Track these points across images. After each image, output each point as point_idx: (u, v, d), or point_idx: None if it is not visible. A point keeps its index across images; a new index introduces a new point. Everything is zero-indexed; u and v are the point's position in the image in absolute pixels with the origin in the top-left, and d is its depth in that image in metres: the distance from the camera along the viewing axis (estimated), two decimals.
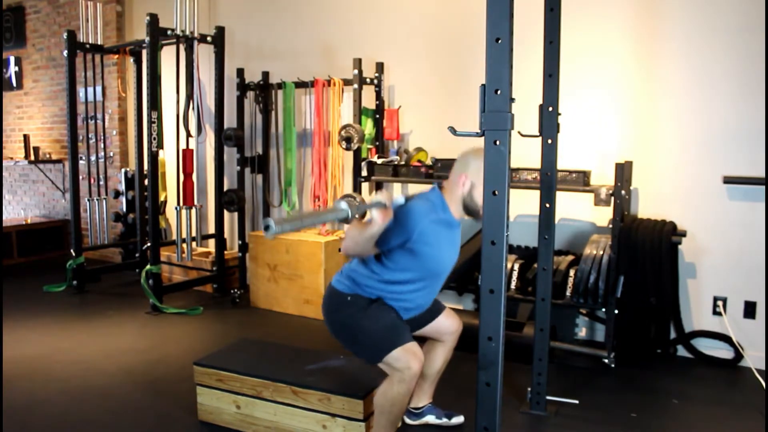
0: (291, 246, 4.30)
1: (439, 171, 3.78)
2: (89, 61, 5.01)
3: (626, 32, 3.54)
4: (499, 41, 1.50)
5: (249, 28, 5.03)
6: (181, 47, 4.50)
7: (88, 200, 5.13)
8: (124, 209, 5.68)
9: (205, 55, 4.84)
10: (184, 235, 4.51)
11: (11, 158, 6.70)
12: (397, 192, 4.39)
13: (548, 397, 2.80)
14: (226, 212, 4.91)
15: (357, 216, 2.01)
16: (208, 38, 4.68)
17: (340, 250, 4.23)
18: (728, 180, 3.30)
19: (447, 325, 2.51)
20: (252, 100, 4.78)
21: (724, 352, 3.39)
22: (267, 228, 1.53)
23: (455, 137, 1.74)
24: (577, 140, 3.65)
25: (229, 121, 4.91)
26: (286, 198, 4.66)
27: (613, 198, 3.22)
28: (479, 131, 1.55)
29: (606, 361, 3.24)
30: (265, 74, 4.71)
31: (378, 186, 4.30)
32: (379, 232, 2.10)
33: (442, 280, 2.38)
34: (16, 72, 6.79)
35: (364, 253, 2.23)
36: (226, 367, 2.61)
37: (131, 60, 5.31)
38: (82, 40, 4.91)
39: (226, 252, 4.94)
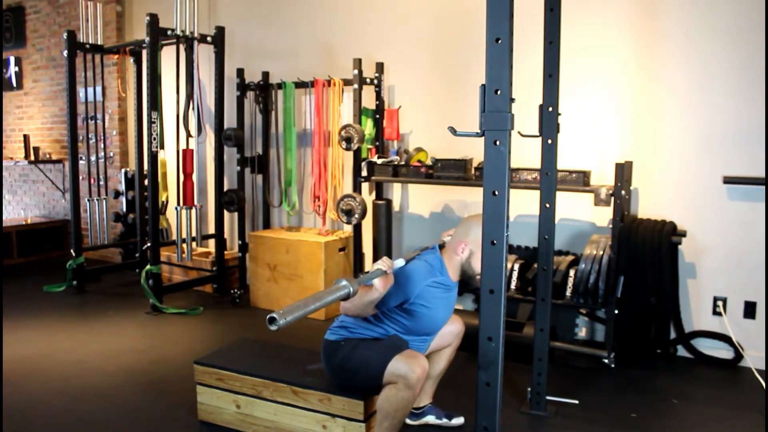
0: (291, 246, 4.30)
1: (439, 171, 3.78)
2: (89, 61, 5.01)
3: (626, 32, 3.54)
4: (499, 41, 1.50)
5: (249, 28, 5.03)
6: (181, 47, 4.50)
7: (88, 200, 5.12)
8: (124, 209, 5.68)
9: (205, 55, 4.84)
10: (184, 235, 4.51)
11: (11, 158, 6.70)
12: (397, 194, 4.40)
13: (548, 397, 2.80)
14: (226, 212, 4.91)
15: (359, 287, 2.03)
16: (208, 38, 4.68)
17: (341, 250, 4.25)
18: (728, 180, 3.30)
19: (449, 330, 2.52)
20: (252, 100, 4.78)
21: (724, 352, 3.39)
22: (272, 321, 1.53)
23: (455, 137, 1.74)
24: (577, 140, 3.65)
25: (229, 121, 4.91)
26: (286, 198, 4.66)
27: (613, 198, 3.22)
28: (479, 131, 1.56)
29: (606, 361, 3.24)
30: (265, 74, 4.71)
31: (378, 187, 4.30)
32: (380, 298, 2.16)
33: (433, 337, 2.45)
34: (16, 72, 6.79)
35: (363, 314, 2.27)
36: (226, 366, 2.61)
37: (131, 60, 5.31)
38: (82, 40, 4.91)
39: (226, 252, 4.94)
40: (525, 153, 3.15)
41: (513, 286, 3.54)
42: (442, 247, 2.42)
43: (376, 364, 2.18)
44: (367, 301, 2.15)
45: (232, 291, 4.70)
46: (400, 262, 2.24)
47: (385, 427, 2.18)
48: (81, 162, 5.20)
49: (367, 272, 2.12)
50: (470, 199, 4.09)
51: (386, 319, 2.30)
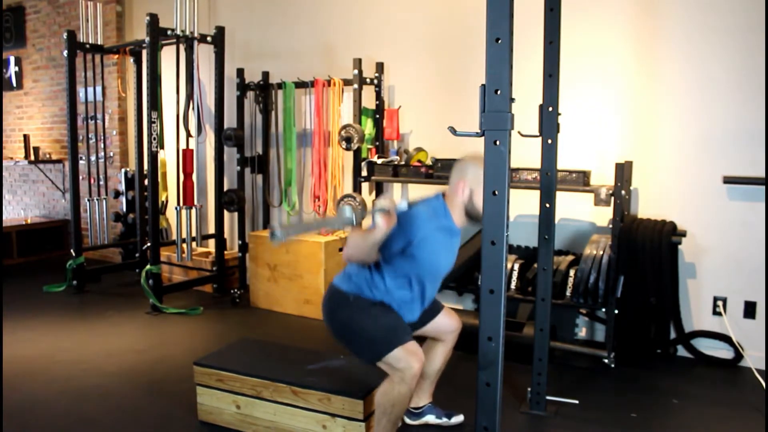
0: (291, 246, 4.30)
1: (439, 171, 3.77)
2: (89, 61, 5.01)
3: (626, 32, 3.54)
4: (499, 41, 1.50)
5: (249, 28, 5.03)
6: (181, 47, 4.50)
7: (88, 200, 5.13)
8: (124, 209, 5.68)
9: (205, 55, 4.84)
10: (184, 235, 4.51)
11: (11, 158, 6.70)
12: (397, 193, 4.39)
13: (548, 397, 2.80)
14: (226, 212, 4.91)
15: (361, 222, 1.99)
16: (208, 38, 4.68)
17: (341, 249, 4.25)
18: (728, 180, 3.30)
19: (447, 324, 2.52)
20: (252, 100, 4.78)
21: (724, 352, 3.39)
22: (272, 234, 1.53)
23: (455, 137, 1.74)
24: (577, 140, 3.65)
25: (229, 121, 4.91)
26: (286, 198, 4.66)
27: (613, 198, 3.22)
28: (479, 131, 1.55)
29: (606, 361, 3.24)
30: (265, 74, 4.71)
31: (378, 187, 4.30)
32: (383, 238, 2.10)
33: (438, 282, 2.40)
34: (16, 72, 6.79)
35: (367, 259, 2.23)
36: (226, 367, 2.61)
37: (131, 60, 5.31)
38: (82, 40, 4.91)
39: (226, 252, 4.94)
40: (525, 153, 3.14)
41: (513, 286, 3.54)
42: (444, 194, 2.34)
43: (379, 344, 2.16)
44: (371, 242, 2.09)
45: (232, 291, 4.70)
46: (403, 205, 2.16)
47: (384, 424, 2.18)
48: (81, 162, 5.20)
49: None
50: None
51: (389, 267, 2.23)
